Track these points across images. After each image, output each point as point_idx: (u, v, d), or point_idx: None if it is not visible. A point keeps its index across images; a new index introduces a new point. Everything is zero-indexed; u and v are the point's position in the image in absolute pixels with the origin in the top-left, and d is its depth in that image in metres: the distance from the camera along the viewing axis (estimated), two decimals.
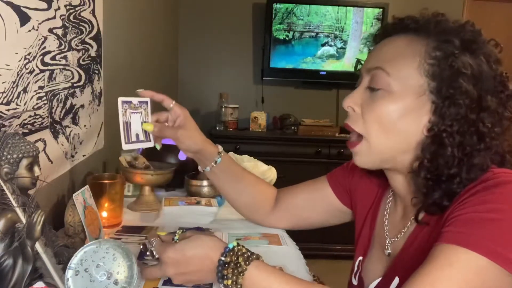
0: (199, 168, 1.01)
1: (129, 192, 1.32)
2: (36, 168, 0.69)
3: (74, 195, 0.82)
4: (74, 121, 1.11)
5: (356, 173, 0.94)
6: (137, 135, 0.89)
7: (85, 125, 1.18)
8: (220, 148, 0.99)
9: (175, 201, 1.17)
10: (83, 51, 1.13)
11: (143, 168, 1.23)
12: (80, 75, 1.12)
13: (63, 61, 1.01)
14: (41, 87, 0.90)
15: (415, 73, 0.70)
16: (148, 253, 0.74)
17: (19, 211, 0.63)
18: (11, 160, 0.65)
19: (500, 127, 0.69)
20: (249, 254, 0.68)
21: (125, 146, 0.88)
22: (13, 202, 0.62)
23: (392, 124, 0.71)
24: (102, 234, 0.89)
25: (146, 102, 0.90)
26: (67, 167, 1.07)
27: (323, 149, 2.86)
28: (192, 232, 0.74)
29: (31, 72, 0.86)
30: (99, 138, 1.31)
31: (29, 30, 0.83)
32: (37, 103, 0.89)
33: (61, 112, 1.02)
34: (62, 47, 0.99)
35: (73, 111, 1.09)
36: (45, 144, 0.93)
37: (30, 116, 0.87)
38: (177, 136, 0.91)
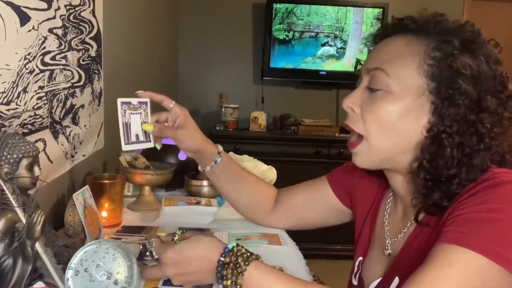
0: (199, 168, 1.02)
1: (129, 192, 1.32)
2: (36, 168, 0.69)
3: (74, 195, 0.82)
4: (74, 121, 1.11)
5: (356, 173, 0.94)
6: (137, 136, 0.89)
7: (85, 125, 1.18)
8: (220, 147, 1.00)
9: (175, 201, 1.17)
10: (83, 51, 1.13)
11: (143, 168, 1.23)
12: (80, 75, 1.12)
13: (63, 61, 1.01)
14: (41, 87, 0.90)
15: (414, 73, 0.70)
16: (147, 253, 0.74)
17: (19, 211, 0.63)
18: (11, 160, 0.65)
19: (500, 127, 0.69)
20: (248, 254, 0.68)
21: (124, 147, 0.88)
22: (13, 202, 0.62)
23: (392, 124, 0.71)
24: (102, 234, 0.89)
25: (146, 103, 0.90)
26: (67, 167, 1.07)
27: (323, 149, 2.86)
28: (191, 233, 0.74)
29: (31, 72, 0.86)
30: (99, 138, 1.31)
31: (29, 30, 0.83)
32: (37, 103, 0.89)
33: (61, 112, 1.02)
34: (62, 47, 0.99)
35: (73, 111, 1.09)
36: (45, 144, 0.93)
37: (30, 116, 0.87)
38: (177, 136, 0.91)
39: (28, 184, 0.67)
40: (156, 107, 0.94)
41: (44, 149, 0.93)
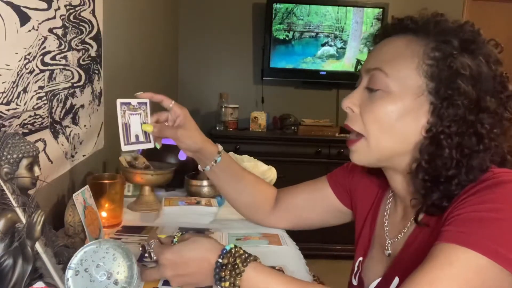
0: (199, 167, 1.02)
1: (129, 192, 1.32)
2: (36, 168, 0.69)
3: (74, 195, 0.82)
4: (74, 121, 1.11)
5: (356, 173, 0.94)
6: (136, 136, 0.89)
7: (85, 125, 1.18)
8: (220, 147, 1.00)
9: (175, 201, 1.17)
10: (83, 51, 1.13)
11: (143, 168, 1.23)
12: (80, 75, 1.12)
13: (63, 61, 1.01)
14: (41, 87, 0.90)
15: (413, 73, 0.70)
16: (146, 255, 0.74)
17: (19, 211, 0.63)
18: (11, 160, 0.65)
19: (499, 128, 0.68)
20: (246, 255, 0.68)
21: (124, 148, 0.88)
22: (13, 202, 0.62)
23: (391, 124, 0.71)
24: (102, 234, 0.89)
25: (145, 103, 0.90)
26: (67, 167, 1.07)
27: (323, 149, 2.86)
28: (191, 235, 0.74)
29: (31, 72, 0.86)
30: (99, 138, 1.31)
31: (29, 30, 0.84)
32: (37, 103, 0.89)
33: (61, 112, 1.02)
34: (62, 47, 0.99)
35: (73, 111, 1.09)
36: (45, 144, 0.93)
37: (30, 116, 0.87)
38: (177, 136, 0.92)
39: (28, 184, 0.67)
40: (156, 107, 0.94)
41: (44, 149, 0.93)
